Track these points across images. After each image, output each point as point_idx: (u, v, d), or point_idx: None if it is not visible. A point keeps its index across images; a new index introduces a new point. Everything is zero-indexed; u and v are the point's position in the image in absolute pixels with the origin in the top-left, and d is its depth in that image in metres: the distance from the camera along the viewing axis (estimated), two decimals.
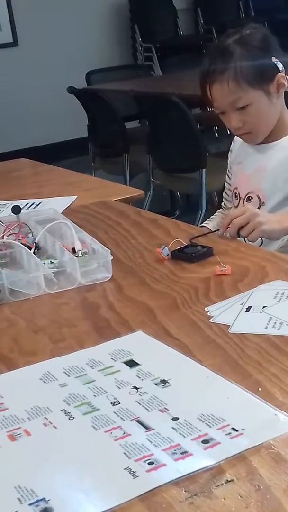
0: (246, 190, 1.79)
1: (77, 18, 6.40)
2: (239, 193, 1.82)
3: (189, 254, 1.46)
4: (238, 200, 1.82)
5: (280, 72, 1.68)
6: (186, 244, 1.51)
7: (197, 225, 1.59)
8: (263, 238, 1.65)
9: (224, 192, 1.97)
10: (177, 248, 1.49)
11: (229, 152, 1.91)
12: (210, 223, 1.89)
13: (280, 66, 1.68)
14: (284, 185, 1.73)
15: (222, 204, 1.99)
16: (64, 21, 6.33)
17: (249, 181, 1.79)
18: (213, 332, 1.13)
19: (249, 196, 1.78)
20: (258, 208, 1.77)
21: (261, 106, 1.67)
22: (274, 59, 1.68)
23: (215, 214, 1.99)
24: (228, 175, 1.92)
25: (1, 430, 0.91)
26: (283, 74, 1.68)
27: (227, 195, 1.94)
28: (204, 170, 3.49)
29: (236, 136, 1.86)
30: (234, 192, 1.84)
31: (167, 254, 1.48)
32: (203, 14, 7.13)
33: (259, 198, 1.76)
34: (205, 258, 1.46)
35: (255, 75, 1.65)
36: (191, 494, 0.76)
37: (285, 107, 1.75)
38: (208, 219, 1.96)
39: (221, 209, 1.99)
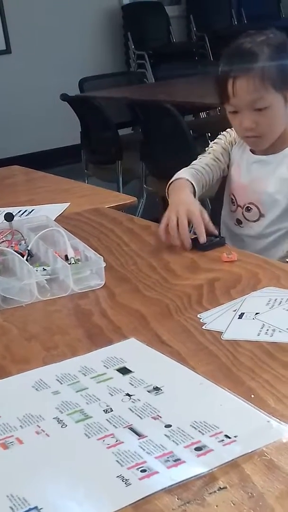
0: (245, 200, 1.78)
1: (70, 26, 6.41)
2: (236, 201, 1.81)
3: (203, 244, 1.53)
4: (235, 206, 1.81)
5: None
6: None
7: (190, 231, 1.58)
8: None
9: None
10: (192, 238, 1.55)
11: (223, 137, 1.86)
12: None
13: None
14: (284, 198, 1.73)
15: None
16: (57, 28, 6.34)
17: (247, 191, 1.78)
18: (205, 339, 1.13)
19: (248, 207, 1.78)
20: (257, 219, 1.76)
21: (278, 110, 1.66)
22: None
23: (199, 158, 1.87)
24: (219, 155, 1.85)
25: None
26: None
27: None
28: None
29: (234, 135, 1.84)
30: (230, 197, 1.84)
31: None
32: (195, 22, 7.16)
33: (259, 209, 1.76)
34: (217, 247, 1.53)
35: (280, 78, 1.64)
36: (184, 501, 0.76)
37: None
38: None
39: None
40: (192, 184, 1.70)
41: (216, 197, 2.02)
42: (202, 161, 1.83)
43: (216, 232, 1.61)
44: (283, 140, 1.73)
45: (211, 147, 1.86)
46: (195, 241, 1.55)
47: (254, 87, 1.62)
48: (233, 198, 1.82)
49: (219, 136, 1.89)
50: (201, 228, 1.55)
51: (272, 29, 1.72)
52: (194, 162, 1.84)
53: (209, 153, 1.85)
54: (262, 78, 1.62)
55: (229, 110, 1.70)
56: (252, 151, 1.79)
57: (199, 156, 1.86)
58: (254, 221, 1.78)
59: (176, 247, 1.56)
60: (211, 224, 1.59)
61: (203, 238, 1.54)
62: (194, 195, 1.70)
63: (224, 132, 1.88)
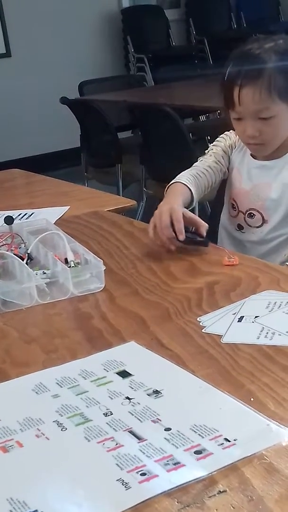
0: (247, 206, 1.77)
1: (69, 29, 6.42)
2: (237, 206, 1.80)
3: (182, 241, 1.53)
4: (237, 212, 1.81)
5: None
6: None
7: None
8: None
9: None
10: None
11: (222, 139, 1.85)
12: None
13: None
14: (286, 204, 1.72)
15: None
16: (57, 32, 6.35)
17: (249, 197, 1.77)
18: (205, 342, 1.14)
19: (250, 213, 1.77)
20: (261, 225, 1.76)
21: (283, 120, 1.65)
22: None
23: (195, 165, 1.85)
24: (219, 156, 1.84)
25: None
26: None
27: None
28: None
29: (234, 139, 1.84)
30: (231, 203, 1.83)
31: None
32: (195, 25, 7.17)
33: (262, 215, 1.75)
34: (199, 246, 1.56)
35: (287, 89, 1.61)
36: (184, 505, 0.76)
37: None
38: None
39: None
40: (189, 188, 1.70)
41: (215, 201, 2.01)
42: (205, 163, 1.82)
43: (204, 234, 1.59)
44: (285, 146, 1.72)
45: (212, 149, 1.86)
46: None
47: (260, 97, 1.60)
48: (234, 203, 1.81)
49: (218, 139, 1.88)
50: (179, 225, 1.54)
51: (282, 35, 1.69)
52: (196, 164, 1.83)
53: (210, 155, 1.84)
54: (269, 89, 1.60)
55: (233, 117, 1.69)
56: (253, 156, 1.78)
57: (200, 158, 1.86)
58: (257, 227, 1.77)
59: (176, 250, 1.56)
60: (202, 225, 1.58)
61: (181, 236, 1.54)
62: (192, 199, 1.70)
63: (223, 135, 1.87)
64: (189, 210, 1.64)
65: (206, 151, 1.87)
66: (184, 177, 1.74)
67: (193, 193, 1.70)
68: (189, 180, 1.73)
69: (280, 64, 1.61)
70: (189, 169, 1.80)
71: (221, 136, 1.88)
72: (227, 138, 1.86)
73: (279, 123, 1.65)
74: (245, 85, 1.61)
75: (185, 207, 1.64)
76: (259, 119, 1.64)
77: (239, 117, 1.67)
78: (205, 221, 1.60)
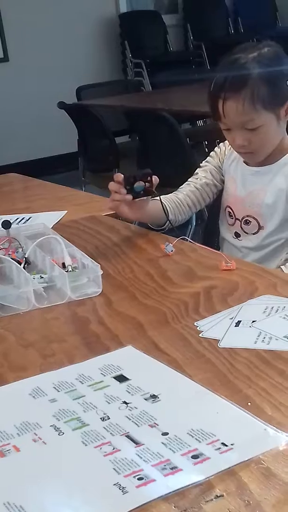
0: (243, 213, 1.78)
1: (67, 34, 6.43)
2: (234, 214, 1.80)
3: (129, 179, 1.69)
4: (233, 220, 1.81)
5: None
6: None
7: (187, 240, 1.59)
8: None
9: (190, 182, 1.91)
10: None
11: (214, 154, 1.88)
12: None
13: None
14: (282, 209, 1.73)
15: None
16: (55, 37, 6.36)
17: (244, 204, 1.77)
18: (202, 346, 1.14)
19: (246, 220, 1.77)
20: (257, 231, 1.76)
21: (270, 129, 1.65)
22: None
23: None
24: (208, 172, 1.87)
25: None
26: None
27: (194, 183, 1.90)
28: None
29: (225, 149, 1.85)
30: (227, 210, 1.83)
31: (171, 250, 1.57)
32: (192, 30, 7.19)
33: (258, 222, 1.76)
34: (143, 176, 1.71)
35: (271, 97, 1.61)
36: (181, 509, 0.76)
37: (284, 130, 1.74)
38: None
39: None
40: (163, 205, 1.77)
41: (212, 206, 2.02)
42: (190, 184, 1.89)
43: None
44: (278, 151, 1.72)
45: (200, 166, 1.90)
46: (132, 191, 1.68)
47: (243, 110, 1.61)
48: (231, 211, 1.81)
49: (211, 154, 1.91)
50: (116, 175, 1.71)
51: (267, 41, 1.69)
52: (182, 186, 1.90)
53: (196, 173, 1.90)
54: (252, 101, 1.60)
55: (222, 127, 1.71)
56: (247, 163, 1.79)
57: (189, 179, 1.91)
58: (254, 234, 1.77)
59: (173, 255, 1.56)
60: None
61: (119, 177, 1.72)
62: (166, 214, 1.77)
63: (216, 148, 1.90)
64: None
65: (198, 170, 1.92)
66: (165, 197, 1.82)
67: (168, 208, 1.80)
68: (168, 200, 1.82)
69: (263, 74, 1.61)
70: (172, 193, 1.88)
71: (214, 149, 1.90)
72: (218, 151, 1.89)
73: (267, 132, 1.66)
74: (228, 98, 1.62)
75: (156, 225, 1.80)
76: (246, 129, 1.65)
77: (227, 127, 1.69)
78: (203, 225, 1.61)
